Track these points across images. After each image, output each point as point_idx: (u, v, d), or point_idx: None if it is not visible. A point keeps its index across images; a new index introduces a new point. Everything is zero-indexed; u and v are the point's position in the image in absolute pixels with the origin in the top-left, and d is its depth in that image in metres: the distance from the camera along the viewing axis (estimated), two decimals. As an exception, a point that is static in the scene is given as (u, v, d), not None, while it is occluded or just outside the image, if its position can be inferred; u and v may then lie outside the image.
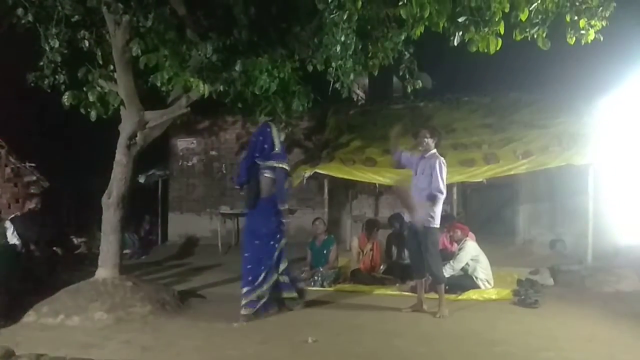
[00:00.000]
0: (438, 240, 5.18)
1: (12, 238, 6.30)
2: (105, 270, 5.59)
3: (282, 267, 5.28)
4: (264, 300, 5.09)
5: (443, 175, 5.07)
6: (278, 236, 5.27)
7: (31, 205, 6.77)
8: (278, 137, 5.30)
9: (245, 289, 5.06)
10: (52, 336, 4.49)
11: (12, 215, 6.82)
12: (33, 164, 8.60)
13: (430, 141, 5.20)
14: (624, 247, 7.24)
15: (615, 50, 7.04)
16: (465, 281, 6.16)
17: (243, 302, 5.02)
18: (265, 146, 5.24)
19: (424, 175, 5.13)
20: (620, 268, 6.54)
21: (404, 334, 4.46)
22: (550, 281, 6.70)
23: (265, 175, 5.23)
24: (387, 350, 4.00)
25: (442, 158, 5.19)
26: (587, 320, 4.87)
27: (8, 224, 6.48)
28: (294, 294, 5.42)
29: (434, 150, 5.23)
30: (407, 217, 5.23)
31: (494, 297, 5.93)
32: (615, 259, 7.02)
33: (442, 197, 5.08)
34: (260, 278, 5.07)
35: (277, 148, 5.25)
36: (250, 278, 5.08)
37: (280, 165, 5.24)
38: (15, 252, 6.31)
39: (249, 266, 5.13)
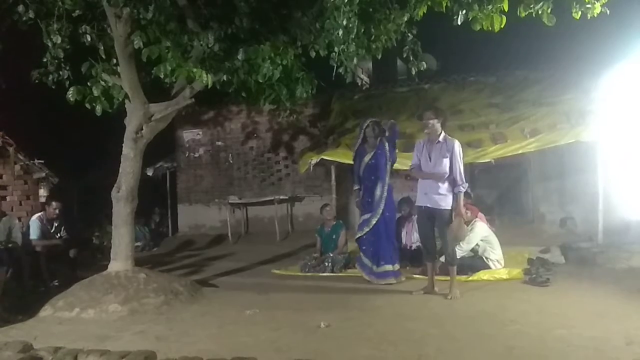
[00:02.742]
0: (451, 221, 5.18)
1: (17, 234, 6.37)
2: (118, 263, 5.65)
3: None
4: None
5: (462, 162, 5.06)
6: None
7: (52, 208, 6.84)
8: (363, 135, 6.11)
9: None
10: (69, 329, 4.55)
11: (39, 214, 6.91)
12: (42, 161, 8.63)
13: (435, 122, 5.11)
14: (635, 223, 7.19)
15: (623, 23, 6.93)
16: (475, 262, 6.16)
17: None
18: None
19: (441, 158, 5.06)
20: (632, 244, 6.51)
21: (415, 316, 4.48)
22: (561, 259, 6.68)
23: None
24: (399, 333, 4.02)
25: (457, 141, 5.14)
26: (599, 297, 4.86)
27: (16, 221, 6.56)
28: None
29: (443, 133, 5.16)
30: (421, 202, 5.23)
31: (504, 277, 5.92)
32: (627, 235, 6.98)
33: (464, 188, 5.10)
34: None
35: (357, 144, 6.24)
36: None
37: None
38: (27, 249, 6.41)
39: None
